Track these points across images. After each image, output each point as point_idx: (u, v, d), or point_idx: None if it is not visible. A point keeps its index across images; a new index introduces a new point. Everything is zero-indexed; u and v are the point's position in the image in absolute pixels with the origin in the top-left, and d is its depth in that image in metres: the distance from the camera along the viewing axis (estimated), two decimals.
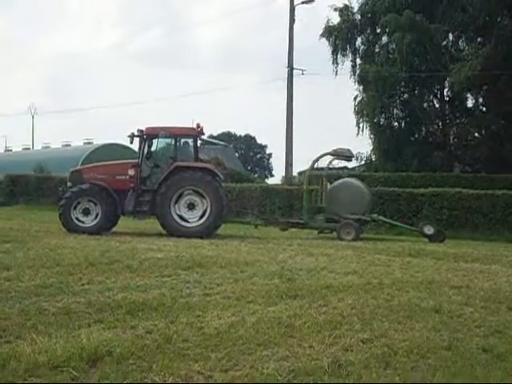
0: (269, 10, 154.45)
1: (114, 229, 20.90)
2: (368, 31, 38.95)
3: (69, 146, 58.08)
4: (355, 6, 39.28)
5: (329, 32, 38.62)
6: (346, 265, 13.29)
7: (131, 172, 20.24)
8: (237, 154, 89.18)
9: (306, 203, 23.48)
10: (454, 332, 7.23)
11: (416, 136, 39.23)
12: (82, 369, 5.37)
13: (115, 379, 5.19)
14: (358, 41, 39.42)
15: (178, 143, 20.85)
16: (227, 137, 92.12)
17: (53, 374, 5.27)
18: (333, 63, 39.06)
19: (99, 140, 52.95)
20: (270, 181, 77.09)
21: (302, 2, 39.85)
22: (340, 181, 23.83)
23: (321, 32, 38.95)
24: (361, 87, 38.32)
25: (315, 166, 24.68)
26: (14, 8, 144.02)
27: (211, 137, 58.62)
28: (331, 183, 23.88)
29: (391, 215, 25.07)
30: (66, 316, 7.26)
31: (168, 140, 20.90)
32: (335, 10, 39.12)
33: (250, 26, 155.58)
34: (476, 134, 39.33)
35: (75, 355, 5.59)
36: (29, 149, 67.55)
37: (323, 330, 7.01)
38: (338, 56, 38.91)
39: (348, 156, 24.19)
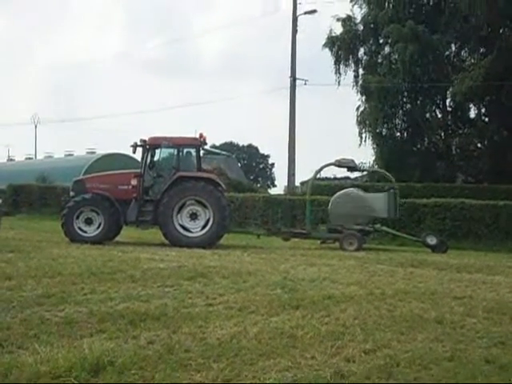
0: (272, 20, 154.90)
1: (117, 239, 20.90)
2: (370, 42, 39.14)
3: (71, 155, 58.24)
4: (358, 17, 39.60)
5: (331, 42, 38.79)
6: (348, 275, 13.28)
7: (134, 182, 20.25)
8: (239, 164, 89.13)
9: (309, 213, 23.49)
10: (456, 343, 7.22)
11: (418, 146, 39.32)
12: (84, 379, 5.36)
13: None
14: (361, 51, 39.66)
15: (180, 153, 20.85)
16: (230, 147, 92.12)
17: (55, 383, 5.26)
18: (335, 73, 39.29)
19: (102, 150, 53.03)
20: (273, 191, 76.99)
21: (305, 13, 39.88)
22: (342, 191, 23.82)
23: (323, 42, 39.15)
24: (363, 97, 38.47)
25: (318, 176, 24.68)
26: (16, 16, 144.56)
27: (214, 147, 58.71)
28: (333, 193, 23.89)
29: (394, 225, 25.03)
30: (68, 326, 7.26)
31: (171, 150, 20.91)
32: (338, 20, 39.38)
33: (254, 35, 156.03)
34: (478, 145, 39.41)
35: (77, 365, 5.58)
36: (31, 158, 67.67)
37: (325, 341, 6.99)
38: (341, 66, 39.12)
39: (351, 167, 24.21)
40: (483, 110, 39.00)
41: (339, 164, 23.66)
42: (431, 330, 7.86)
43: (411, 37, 34.21)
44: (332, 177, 43.15)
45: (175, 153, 20.82)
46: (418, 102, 38.40)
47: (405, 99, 38.67)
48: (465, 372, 6.01)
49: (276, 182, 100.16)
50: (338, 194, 23.51)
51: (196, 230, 19.93)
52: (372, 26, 38.22)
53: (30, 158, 67.20)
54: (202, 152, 21.75)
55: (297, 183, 42.84)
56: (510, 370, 6.17)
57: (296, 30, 40.18)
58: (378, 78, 36.08)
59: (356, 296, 10.20)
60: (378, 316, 8.57)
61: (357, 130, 38.78)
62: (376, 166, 39.29)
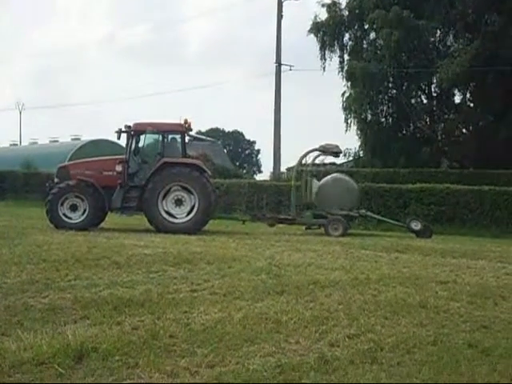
0: (258, 5, 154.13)
1: (102, 225, 20.84)
2: (356, 27, 39.05)
3: (56, 141, 57.82)
4: (343, 2, 39.45)
5: (317, 28, 38.68)
6: (333, 260, 13.32)
7: (119, 168, 20.17)
8: (225, 150, 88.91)
9: (294, 199, 23.49)
10: (440, 327, 7.26)
11: (404, 132, 39.42)
12: (68, 365, 5.35)
13: (101, 375, 5.17)
14: (346, 37, 39.54)
15: (165, 139, 20.78)
16: (215, 133, 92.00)
17: (38, 370, 5.24)
18: (321, 59, 39.20)
19: (87, 136, 52.73)
20: (259, 177, 77.04)
21: None
22: (328, 177, 23.83)
23: (309, 28, 39.04)
24: (349, 83, 38.38)
25: (303, 161, 24.67)
26: (1, 3, 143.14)
27: (199, 133, 58.61)
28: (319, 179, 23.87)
29: (379, 211, 25.10)
30: (51, 312, 7.24)
31: (155, 136, 20.83)
32: (323, 5, 39.26)
33: (239, 21, 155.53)
34: (464, 130, 39.52)
35: (61, 351, 5.57)
36: (16, 145, 67.21)
37: (310, 326, 7.01)
38: (326, 52, 39.04)
39: (336, 152, 24.21)
40: (468, 96, 39.07)
41: (324, 149, 23.67)
42: (415, 314, 7.90)
43: (396, 22, 34.13)
44: (318, 162, 43.09)
45: (160, 139, 20.76)
46: (404, 87, 38.40)
47: (390, 85, 38.66)
48: (448, 356, 6.04)
49: (262, 168, 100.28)
50: (325, 178, 23.53)
51: (181, 215, 19.91)
52: (357, 11, 38.12)
53: (14, 144, 66.70)
54: (187, 138, 21.72)
55: (283, 169, 42.88)
56: (492, 354, 6.21)
57: (281, 16, 40.22)
58: (363, 63, 36.04)
59: (341, 281, 10.22)
60: (362, 301, 8.60)
61: (342, 116, 38.80)
62: (361, 152, 39.41)
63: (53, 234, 17.04)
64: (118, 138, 20.97)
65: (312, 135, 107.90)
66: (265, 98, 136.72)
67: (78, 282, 9.22)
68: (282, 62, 40.02)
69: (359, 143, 39.68)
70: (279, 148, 39.56)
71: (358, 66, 35.90)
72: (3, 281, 9.05)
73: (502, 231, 24.58)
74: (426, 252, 15.95)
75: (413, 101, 39.22)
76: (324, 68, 39.27)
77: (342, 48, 39.33)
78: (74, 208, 19.84)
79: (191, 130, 21.67)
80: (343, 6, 39.24)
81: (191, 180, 19.85)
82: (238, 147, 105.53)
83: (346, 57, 39.31)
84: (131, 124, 20.64)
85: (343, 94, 39.20)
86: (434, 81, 37.11)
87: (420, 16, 34.91)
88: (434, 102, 39.61)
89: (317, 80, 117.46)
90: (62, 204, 19.74)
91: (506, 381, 5.48)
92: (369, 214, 23.80)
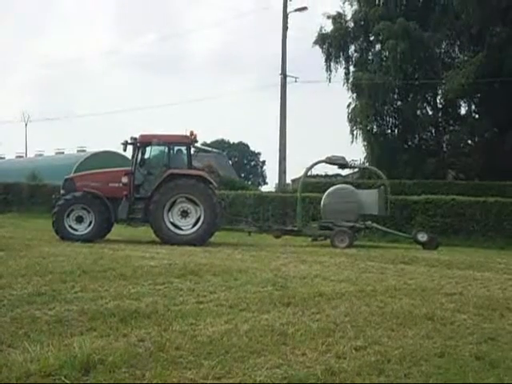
0: (263, 17, 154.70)
1: (108, 236, 20.84)
2: (361, 39, 39.20)
3: (62, 153, 57.86)
4: (348, 14, 39.62)
5: (322, 39, 38.80)
6: (339, 272, 13.29)
7: (124, 180, 20.21)
8: (230, 162, 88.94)
9: (300, 210, 23.48)
10: (446, 339, 7.23)
11: (409, 143, 39.43)
12: (75, 377, 5.34)
13: None
14: (351, 48, 39.71)
15: (171, 151, 20.83)
16: (221, 144, 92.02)
17: (45, 382, 5.24)
18: (326, 71, 39.30)
19: (92, 148, 52.77)
20: (264, 188, 76.97)
21: (296, 10, 39.89)
22: (333, 188, 23.80)
23: (314, 39, 39.14)
24: (354, 95, 38.49)
25: (309, 173, 24.69)
26: (5, 13, 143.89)
27: (205, 144, 58.63)
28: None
29: (384, 222, 25.06)
30: (58, 324, 7.22)
31: (161, 148, 20.87)
32: (328, 17, 39.40)
33: (245, 32, 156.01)
34: (469, 142, 39.50)
35: (67, 363, 5.55)
36: (22, 156, 67.31)
37: (316, 338, 6.99)
38: (331, 63, 39.15)
39: (342, 164, 24.21)
40: (474, 107, 39.12)
41: (330, 161, 23.68)
42: (422, 326, 7.88)
43: (402, 34, 34.26)
44: (323, 174, 43.13)
45: (166, 150, 20.80)
46: (409, 99, 38.46)
47: (395, 96, 38.73)
48: (455, 368, 6.03)
49: (267, 180, 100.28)
50: (331, 189, 23.50)
51: (187, 227, 19.92)
52: (362, 23, 38.30)
53: (20, 156, 66.83)
54: (192, 150, 21.74)
55: (288, 180, 42.86)
56: (499, 366, 6.19)
57: (286, 27, 40.19)
58: (368, 75, 36.15)
59: (347, 293, 10.20)
60: (368, 313, 8.58)
61: (348, 128, 38.84)
62: (367, 164, 39.38)
63: (59, 246, 17.03)
64: (124, 149, 21.05)
65: (317, 147, 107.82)
66: (270, 110, 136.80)
67: (85, 294, 9.21)
68: (288, 74, 39.98)
69: (365, 154, 39.74)
70: (284, 159, 39.49)
71: (364, 78, 36.02)
72: (10, 293, 9.04)
73: (507, 243, 24.54)
74: (432, 264, 15.91)
75: (418, 112, 39.24)
76: (329, 79, 39.41)
77: (348, 60, 39.47)
78: (79, 220, 19.87)
79: (197, 141, 21.72)
80: (349, 18, 39.47)
81: (197, 191, 19.87)
82: (243, 159, 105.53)
83: (352, 68, 39.46)
84: (137, 136, 20.70)
85: (349, 106, 39.32)
86: (440, 92, 37.25)
87: (425, 28, 35.05)
88: (440, 114, 39.66)
89: (322, 91, 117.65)
90: (68, 216, 19.77)
91: None
92: (375, 225, 23.75)
